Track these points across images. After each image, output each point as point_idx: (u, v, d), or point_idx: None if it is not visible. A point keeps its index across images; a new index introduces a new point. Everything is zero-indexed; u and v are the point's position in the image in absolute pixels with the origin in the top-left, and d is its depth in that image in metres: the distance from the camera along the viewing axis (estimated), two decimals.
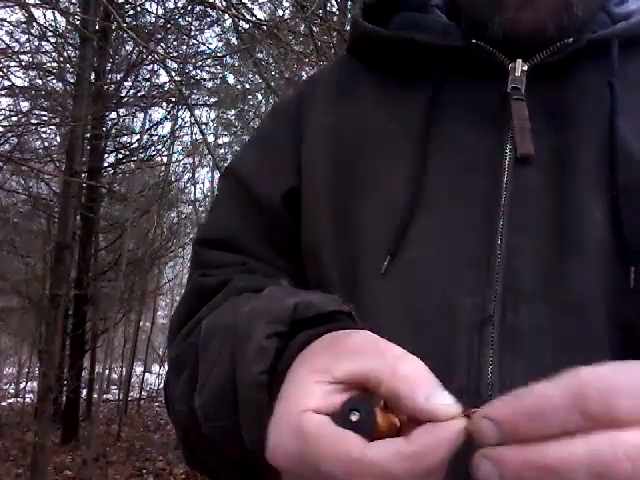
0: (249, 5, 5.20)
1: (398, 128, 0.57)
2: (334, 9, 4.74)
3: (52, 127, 7.04)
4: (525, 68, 0.54)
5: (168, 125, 9.19)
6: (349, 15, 4.31)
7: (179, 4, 6.42)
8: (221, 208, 0.65)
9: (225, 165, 0.73)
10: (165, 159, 8.80)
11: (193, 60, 6.10)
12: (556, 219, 0.50)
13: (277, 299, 0.46)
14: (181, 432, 0.52)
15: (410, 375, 0.33)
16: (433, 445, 0.31)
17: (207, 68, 6.80)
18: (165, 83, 7.42)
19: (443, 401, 0.33)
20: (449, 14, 0.64)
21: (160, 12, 6.35)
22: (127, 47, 7.66)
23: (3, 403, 10.79)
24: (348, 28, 4.08)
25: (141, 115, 8.24)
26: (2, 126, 5.88)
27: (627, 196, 0.49)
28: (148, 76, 7.49)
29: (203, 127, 7.12)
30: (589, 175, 0.51)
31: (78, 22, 4.95)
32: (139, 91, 7.75)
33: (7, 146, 5.84)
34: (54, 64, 6.70)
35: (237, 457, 0.46)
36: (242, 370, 0.42)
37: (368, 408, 0.33)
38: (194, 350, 0.50)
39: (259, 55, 5.43)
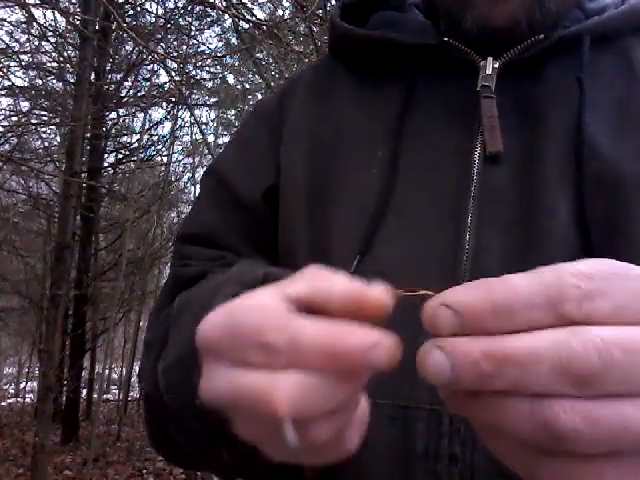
0: (249, 5, 5.20)
1: (374, 128, 0.57)
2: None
3: (52, 127, 7.04)
4: (496, 66, 0.54)
5: (168, 125, 9.23)
6: None
7: (179, 4, 6.44)
8: (202, 205, 0.65)
9: None
10: (165, 159, 8.81)
11: (193, 60, 6.09)
12: (523, 216, 0.50)
13: (247, 270, 0.46)
14: (148, 410, 0.53)
15: (343, 281, 0.29)
16: (350, 332, 0.27)
17: (207, 68, 6.80)
18: (165, 83, 7.42)
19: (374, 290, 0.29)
20: (426, 13, 0.64)
21: (160, 12, 6.36)
22: (127, 47, 7.67)
23: (3, 403, 10.79)
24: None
25: (141, 115, 8.25)
26: (2, 126, 5.88)
27: (592, 190, 0.49)
28: (148, 76, 7.49)
29: (203, 127, 7.13)
30: (556, 171, 0.51)
31: (78, 22, 4.95)
32: (139, 91, 7.76)
33: (7, 146, 5.85)
34: (54, 64, 6.70)
35: (194, 426, 0.45)
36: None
37: None
38: (163, 329, 0.50)
39: (259, 55, 5.43)
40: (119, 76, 7.64)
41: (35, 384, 9.63)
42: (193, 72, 6.28)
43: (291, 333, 0.28)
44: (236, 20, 4.35)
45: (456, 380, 0.27)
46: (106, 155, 8.15)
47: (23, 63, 5.90)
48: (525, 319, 0.26)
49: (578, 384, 0.25)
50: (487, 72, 0.54)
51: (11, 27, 6.03)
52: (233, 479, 0.52)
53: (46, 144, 7.19)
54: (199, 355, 0.38)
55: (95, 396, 8.33)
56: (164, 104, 7.76)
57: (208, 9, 6.22)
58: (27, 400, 10.44)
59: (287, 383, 0.27)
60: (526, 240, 0.49)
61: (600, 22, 0.55)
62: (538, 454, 0.28)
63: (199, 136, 8.17)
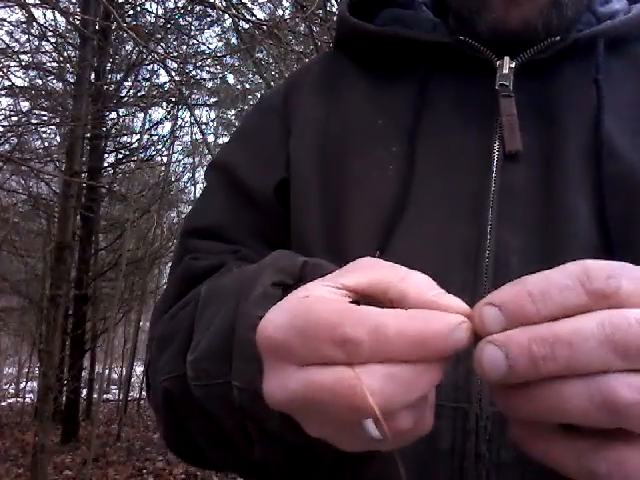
0: (249, 5, 5.20)
1: (385, 124, 0.57)
2: (334, 9, 4.73)
3: (52, 127, 7.04)
4: (512, 65, 0.54)
5: (168, 125, 9.25)
6: None
7: (179, 4, 6.44)
8: (209, 200, 0.64)
9: None
10: (165, 159, 8.81)
11: (193, 60, 6.09)
12: (543, 215, 0.50)
13: (283, 257, 0.45)
14: (163, 406, 0.50)
15: (419, 281, 0.32)
16: (434, 318, 0.29)
17: (207, 68, 6.79)
18: (165, 83, 7.42)
19: (452, 299, 0.31)
20: (435, 12, 0.64)
21: (160, 12, 6.36)
22: (127, 47, 7.67)
23: (3, 403, 10.79)
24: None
25: (141, 115, 8.26)
26: (2, 126, 5.88)
27: (612, 191, 0.50)
28: (148, 76, 7.49)
29: (203, 127, 7.13)
30: (575, 171, 0.51)
31: (78, 22, 4.95)
32: (139, 91, 7.75)
33: (7, 146, 5.85)
34: (54, 64, 6.70)
35: (226, 422, 0.44)
36: (242, 314, 0.41)
37: None
38: (188, 319, 0.49)
39: (259, 55, 5.43)
40: (119, 76, 7.65)
41: (35, 384, 9.63)
42: (193, 72, 6.29)
43: (372, 326, 0.29)
44: (236, 20, 4.36)
45: (512, 368, 0.28)
46: (106, 155, 8.15)
47: (23, 63, 5.90)
48: (561, 301, 0.28)
49: (627, 356, 0.27)
50: (504, 71, 0.54)
51: (11, 27, 6.04)
52: (255, 476, 0.51)
53: (46, 144, 7.20)
54: (234, 346, 0.39)
55: (95, 396, 8.33)
56: (164, 104, 7.76)
57: (208, 9, 6.22)
58: (27, 400, 10.44)
59: (373, 376, 0.28)
60: (546, 238, 0.49)
61: (612, 26, 0.56)
62: (593, 446, 0.29)
63: (199, 136, 8.19)
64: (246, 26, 4.74)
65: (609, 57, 0.55)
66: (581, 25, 0.56)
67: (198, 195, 0.70)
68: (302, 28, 4.77)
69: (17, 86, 5.70)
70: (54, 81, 6.92)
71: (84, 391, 8.67)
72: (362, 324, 0.29)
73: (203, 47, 7.29)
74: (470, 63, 0.56)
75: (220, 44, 7.58)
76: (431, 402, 0.33)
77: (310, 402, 0.30)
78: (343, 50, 0.64)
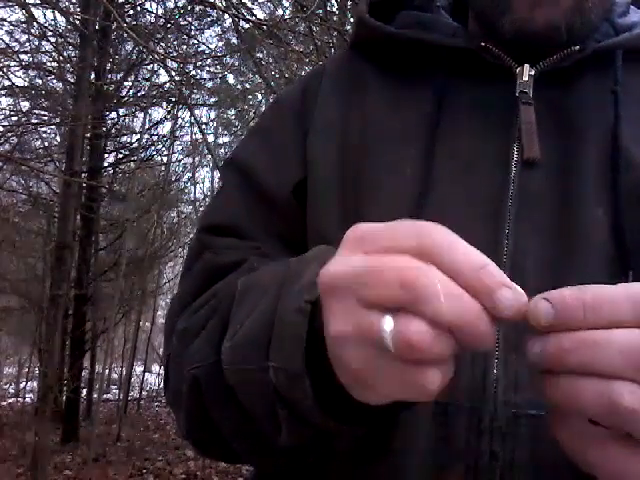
0: (249, 5, 5.20)
1: (404, 126, 0.57)
2: (334, 9, 4.74)
3: (52, 127, 7.05)
4: (532, 73, 0.54)
5: (168, 125, 9.20)
6: (349, 15, 4.31)
7: (179, 4, 6.44)
8: (226, 197, 0.64)
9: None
10: (165, 159, 8.82)
11: (193, 60, 6.09)
12: (559, 222, 0.51)
13: (330, 251, 0.45)
14: (189, 395, 0.51)
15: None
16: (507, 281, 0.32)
17: (207, 68, 6.79)
18: (165, 83, 7.41)
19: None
20: (454, 15, 0.64)
21: (160, 12, 6.36)
22: (127, 47, 7.67)
23: (3, 403, 10.79)
24: (349, 27, 4.08)
25: (141, 115, 8.28)
26: (2, 126, 5.89)
27: (628, 199, 0.50)
28: (148, 76, 7.51)
29: (203, 127, 7.12)
30: (592, 179, 0.52)
31: (78, 22, 4.95)
32: (139, 91, 7.76)
33: (7, 146, 5.85)
34: (54, 64, 6.70)
35: (256, 408, 0.45)
36: (286, 301, 0.42)
37: None
38: (221, 311, 0.50)
39: (259, 55, 5.43)
40: (119, 76, 7.64)
41: (35, 384, 9.64)
42: (193, 72, 6.29)
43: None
44: (236, 20, 4.35)
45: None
46: (106, 155, 8.14)
47: (23, 63, 5.90)
48: (609, 314, 0.31)
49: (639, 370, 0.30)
50: (524, 79, 0.54)
51: (11, 27, 6.04)
52: (278, 466, 0.52)
53: (46, 144, 7.20)
54: (274, 328, 0.42)
55: (95, 396, 8.33)
56: (164, 104, 7.77)
57: (208, 9, 6.22)
58: (27, 400, 10.44)
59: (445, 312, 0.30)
60: (562, 244, 0.50)
61: (631, 38, 0.57)
62: (604, 439, 0.32)
63: (199, 136, 8.19)
64: (246, 26, 4.74)
65: (627, 69, 0.55)
66: (600, 36, 0.57)
67: (214, 193, 0.70)
68: (302, 28, 4.77)
69: (17, 86, 5.71)
70: (54, 81, 6.93)
71: (84, 391, 8.67)
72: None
73: (203, 47, 7.30)
74: (490, 69, 0.56)
75: (220, 44, 7.58)
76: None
77: (361, 337, 0.32)
78: (360, 51, 0.64)
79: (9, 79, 5.16)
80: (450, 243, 0.32)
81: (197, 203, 10.14)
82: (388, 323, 0.31)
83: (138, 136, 7.91)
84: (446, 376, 0.32)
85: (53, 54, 6.61)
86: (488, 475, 0.46)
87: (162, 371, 0.61)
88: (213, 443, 0.53)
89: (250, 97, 7.83)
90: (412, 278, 0.31)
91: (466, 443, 0.46)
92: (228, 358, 0.46)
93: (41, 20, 5.95)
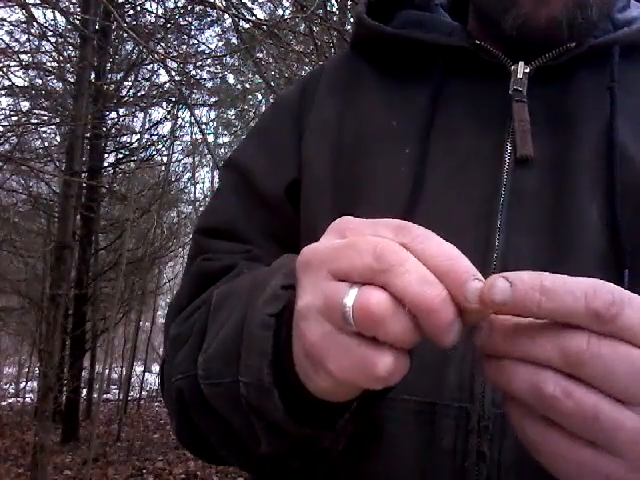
0: (249, 5, 5.20)
1: (399, 126, 0.57)
2: (334, 9, 4.73)
3: (52, 127, 7.04)
4: (527, 70, 0.54)
5: (168, 125, 9.22)
6: (349, 15, 4.31)
7: (179, 4, 6.43)
8: (223, 199, 0.65)
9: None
10: (165, 159, 8.80)
11: (193, 60, 6.09)
12: (553, 219, 0.51)
13: (293, 260, 0.46)
14: (176, 404, 0.52)
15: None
16: (462, 262, 0.32)
17: (207, 68, 6.78)
18: (165, 83, 7.40)
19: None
20: (452, 14, 0.64)
21: (160, 12, 6.35)
22: (127, 47, 7.67)
23: (3, 403, 10.79)
24: (349, 27, 4.08)
25: (141, 115, 8.25)
26: (2, 126, 5.88)
27: (623, 196, 0.50)
28: (148, 76, 7.49)
29: (203, 127, 7.13)
30: (587, 176, 0.51)
31: (78, 22, 4.95)
32: (139, 91, 7.75)
33: (7, 146, 5.84)
34: (54, 64, 6.69)
35: (233, 420, 0.45)
36: (252, 313, 0.42)
37: None
38: (201, 321, 0.50)
39: (259, 55, 5.43)
40: (119, 76, 7.64)
41: (35, 384, 9.64)
42: (193, 72, 6.28)
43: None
44: (236, 20, 4.35)
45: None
46: (106, 155, 8.14)
47: (23, 63, 5.89)
48: (561, 305, 0.30)
49: (568, 363, 0.30)
50: (518, 76, 0.54)
51: (11, 27, 6.04)
52: (265, 472, 0.52)
53: (46, 144, 7.20)
54: (241, 348, 0.42)
55: (95, 396, 8.33)
56: (164, 104, 7.76)
57: (208, 9, 6.22)
58: (27, 400, 10.44)
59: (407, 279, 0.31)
60: (555, 242, 0.50)
61: (630, 33, 0.56)
62: (543, 424, 0.32)
63: (199, 136, 8.19)
64: (246, 26, 4.74)
65: (624, 64, 0.55)
66: (598, 31, 0.56)
67: (204, 198, 0.70)
68: (302, 28, 4.77)
69: (17, 86, 5.71)
70: (54, 81, 6.92)
71: (84, 391, 8.66)
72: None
73: (203, 47, 7.29)
74: (485, 67, 0.56)
75: (220, 44, 7.57)
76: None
77: (330, 308, 0.33)
78: (360, 51, 0.64)
79: (9, 79, 5.16)
80: (426, 236, 0.33)
81: (197, 203, 10.15)
82: (352, 293, 0.32)
83: (138, 136, 7.91)
84: (399, 366, 0.32)
85: (53, 54, 6.60)
86: (475, 475, 0.45)
87: None
88: (203, 448, 0.54)
89: (250, 97, 7.83)
90: (386, 250, 0.32)
91: (453, 443, 0.46)
92: (202, 373, 0.46)
93: (41, 20, 5.95)
